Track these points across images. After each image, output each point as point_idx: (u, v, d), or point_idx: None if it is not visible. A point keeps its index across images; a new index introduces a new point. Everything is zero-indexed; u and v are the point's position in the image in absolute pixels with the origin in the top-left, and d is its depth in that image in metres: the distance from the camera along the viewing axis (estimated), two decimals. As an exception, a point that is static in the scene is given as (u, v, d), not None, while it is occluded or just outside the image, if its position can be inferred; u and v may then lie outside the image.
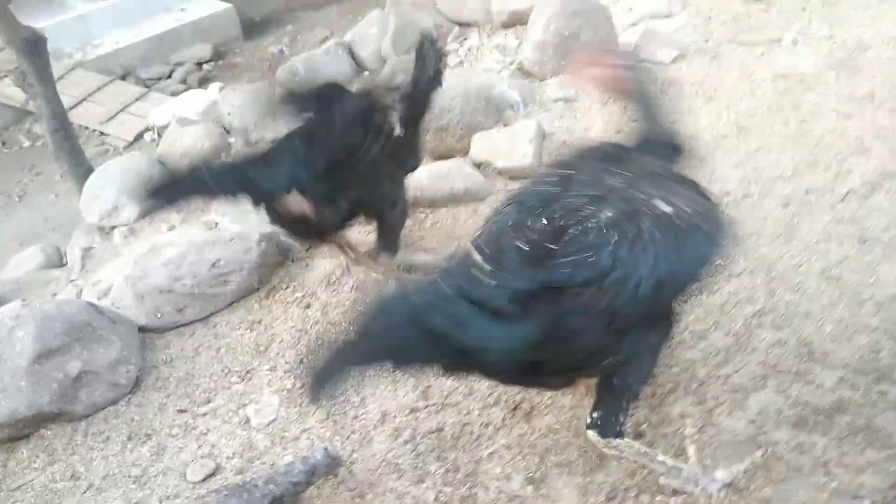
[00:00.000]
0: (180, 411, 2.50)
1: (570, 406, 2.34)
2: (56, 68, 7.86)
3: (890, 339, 2.41)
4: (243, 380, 2.58)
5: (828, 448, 2.11)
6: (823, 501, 1.96)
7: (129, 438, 2.42)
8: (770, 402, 2.26)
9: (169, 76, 8.77)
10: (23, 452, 2.44)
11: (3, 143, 7.97)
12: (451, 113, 3.64)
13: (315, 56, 6.42)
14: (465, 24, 6.89)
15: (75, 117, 7.59)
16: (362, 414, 2.41)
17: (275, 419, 2.42)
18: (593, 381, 1.94)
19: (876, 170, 3.13)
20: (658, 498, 2.03)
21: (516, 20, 6.13)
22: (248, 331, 2.78)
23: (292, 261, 3.07)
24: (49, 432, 2.47)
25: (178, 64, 8.91)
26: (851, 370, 2.33)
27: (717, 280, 2.70)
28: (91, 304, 2.61)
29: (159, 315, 2.77)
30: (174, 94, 8.29)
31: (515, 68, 4.47)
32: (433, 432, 2.32)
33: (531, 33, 4.26)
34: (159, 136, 7.10)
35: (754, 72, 4.06)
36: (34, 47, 5.29)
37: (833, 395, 2.26)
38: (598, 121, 3.78)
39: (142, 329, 2.77)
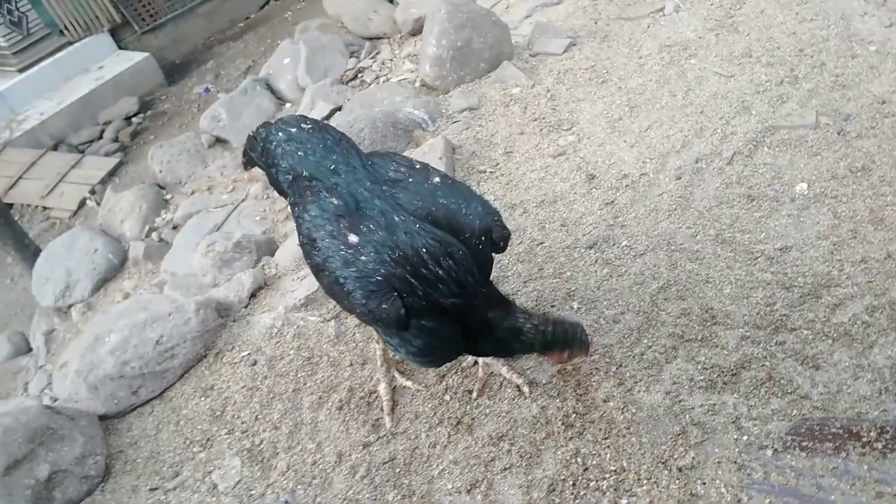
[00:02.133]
0: (152, 489, 2.64)
1: (507, 411, 2.52)
2: (-15, 151, 7.88)
3: (782, 289, 2.63)
4: (205, 447, 2.73)
5: (737, 405, 2.32)
6: (735, 457, 2.17)
7: (108, 526, 2.57)
8: (682, 370, 2.47)
9: (100, 137, 8.78)
10: (9, 561, 2.57)
11: (-52, 236, 7.94)
12: (360, 144, 3.78)
13: (234, 97, 6.50)
14: (375, 38, 7.01)
15: (15, 197, 7.63)
16: (319, 458, 2.57)
17: (239, 480, 2.57)
18: None
19: (757, 127, 3.34)
20: (591, 484, 2.22)
21: (422, 27, 6.28)
22: (203, 398, 2.92)
23: (234, 321, 3.21)
24: (31, 536, 2.61)
25: (107, 123, 8.91)
26: (751, 326, 2.54)
27: (624, 262, 2.91)
28: (47, 407, 2.73)
29: (116, 401, 2.90)
30: (108, 153, 8.33)
31: (420, 85, 4.61)
32: (386, 462, 2.49)
33: (426, 50, 4.40)
34: (98, 203, 7.16)
35: (641, 46, 4.26)
36: (-45, 144, 5.34)
37: (737, 353, 2.47)
38: (501, 124, 3.95)
39: (102, 417, 2.89)
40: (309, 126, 2.33)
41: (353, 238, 1.99)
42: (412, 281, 1.95)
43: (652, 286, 2.77)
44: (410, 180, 2.13)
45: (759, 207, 2.97)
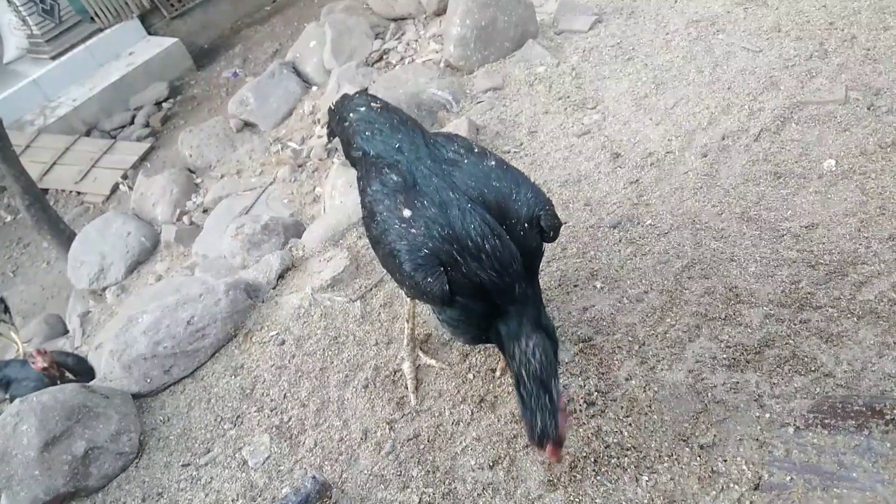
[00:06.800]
0: (184, 465, 2.73)
1: (529, 389, 2.55)
2: (20, 138, 8.09)
3: (808, 267, 2.60)
4: (235, 425, 2.80)
5: (760, 382, 2.32)
6: (757, 434, 2.17)
7: (144, 500, 2.65)
8: (705, 349, 2.46)
9: (132, 122, 8.92)
10: (50, 533, 2.68)
11: (-14, 222, 8.17)
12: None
13: (262, 81, 6.55)
14: (400, 19, 7.00)
15: (50, 182, 7.81)
16: (346, 435, 2.62)
17: (269, 456, 2.64)
18: None
19: (785, 103, 3.29)
20: (613, 461, 2.24)
21: (447, 7, 6.25)
22: (233, 377, 2.99)
23: (262, 301, 3.27)
24: (71, 509, 2.71)
25: (138, 108, 9.05)
26: (776, 304, 2.52)
27: (648, 241, 2.90)
28: (84, 386, 2.83)
29: (149, 380, 2.99)
30: (140, 138, 8.47)
31: (444, 66, 4.61)
32: (411, 439, 2.53)
33: (450, 30, 4.40)
34: (130, 188, 7.30)
35: (669, 22, 4.20)
36: (-10, 130, 5.46)
37: (761, 331, 2.45)
38: (526, 104, 3.93)
39: (136, 396, 2.99)
40: (378, 105, 2.44)
41: (406, 212, 2.04)
42: (457, 257, 1.98)
43: (676, 265, 2.76)
44: (466, 161, 2.17)
45: (786, 185, 2.93)
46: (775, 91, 3.38)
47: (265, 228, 3.62)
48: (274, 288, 3.34)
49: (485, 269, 1.98)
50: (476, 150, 2.24)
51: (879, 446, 1.96)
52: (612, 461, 2.24)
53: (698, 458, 2.14)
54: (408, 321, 2.69)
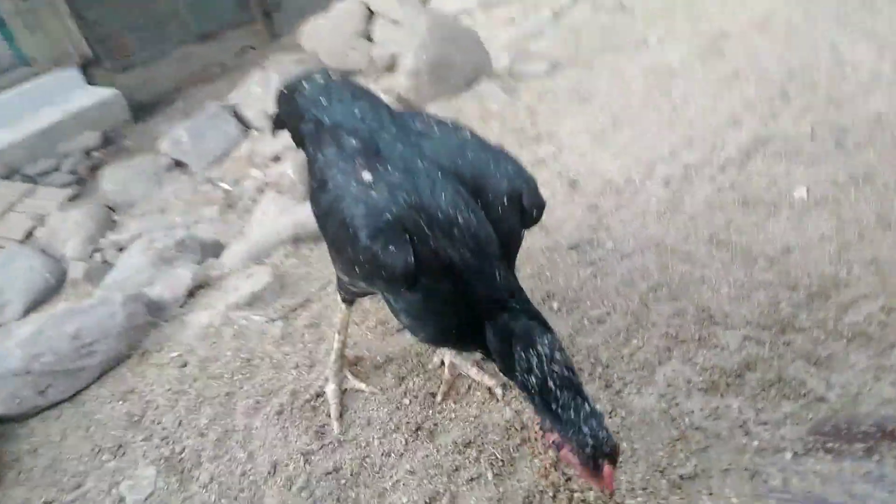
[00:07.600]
0: (47, 503, 2.20)
1: (475, 415, 2.17)
2: (-65, 180, 7.42)
3: (787, 289, 2.35)
4: (115, 456, 2.29)
5: (743, 408, 2.00)
6: (747, 463, 1.83)
7: (-13, 544, 2.11)
8: (678, 372, 2.14)
9: (57, 168, 8.41)
10: None
11: None
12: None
13: (199, 122, 6.22)
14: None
15: (-41, 226, 7.16)
16: (250, 469, 2.16)
17: (152, 492, 2.14)
18: None
19: (750, 139, 3.14)
20: (576, 496, 1.86)
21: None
22: (121, 402, 2.50)
23: (166, 321, 2.82)
24: None
25: (66, 155, 8.56)
26: (754, 326, 2.25)
27: (609, 263, 2.62)
28: (-71, 401, 2.30)
29: (18, 402, 2.47)
30: (64, 185, 7.93)
31: (394, 99, 4.40)
32: (330, 473, 2.09)
33: (403, 62, 4.22)
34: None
35: (625, 71, 4.11)
36: None
37: (740, 354, 2.16)
38: (478, 135, 3.71)
39: (0, 420, 2.46)
40: (336, 77, 2.15)
41: (366, 175, 1.68)
42: (426, 229, 1.61)
43: (641, 286, 2.47)
44: (437, 132, 1.85)
45: (756, 212, 2.73)
46: (738, 128, 3.25)
47: (179, 245, 3.20)
48: (182, 306, 2.89)
49: (456, 246, 1.60)
50: (449, 124, 1.93)
51: (894, 473, 1.65)
52: (575, 496, 1.86)
53: (678, 491, 1.79)
54: (339, 333, 2.30)
